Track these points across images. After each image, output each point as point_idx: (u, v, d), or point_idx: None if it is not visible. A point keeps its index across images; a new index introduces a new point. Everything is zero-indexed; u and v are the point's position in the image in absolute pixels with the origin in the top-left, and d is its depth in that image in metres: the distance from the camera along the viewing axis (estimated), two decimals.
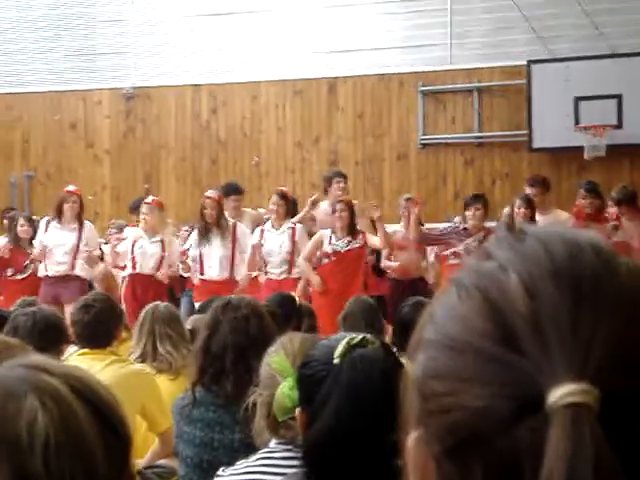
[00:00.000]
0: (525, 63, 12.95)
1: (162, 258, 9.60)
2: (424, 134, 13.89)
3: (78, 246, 9.99)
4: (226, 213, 9.90)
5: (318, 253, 9.70)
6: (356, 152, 14.13)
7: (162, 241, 9.63)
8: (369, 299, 6.72)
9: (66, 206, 10.02)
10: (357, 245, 9.59)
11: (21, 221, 10.46)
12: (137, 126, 15.06)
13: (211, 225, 9.56)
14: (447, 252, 9.39)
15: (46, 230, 10.09)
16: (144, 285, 9.45)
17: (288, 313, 5.69)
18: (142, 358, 5.22)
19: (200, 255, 9.60)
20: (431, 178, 13.84)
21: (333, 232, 9.64)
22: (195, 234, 9.81)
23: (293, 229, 9.70)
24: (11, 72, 15.29)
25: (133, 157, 15.00)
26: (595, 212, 9.19)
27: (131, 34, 14.93)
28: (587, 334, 0.71)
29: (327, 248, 9.60)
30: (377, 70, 14.02)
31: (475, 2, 13.61)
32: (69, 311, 5.93)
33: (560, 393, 0.68)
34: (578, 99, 12.49)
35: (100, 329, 4.79)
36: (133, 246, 9.60)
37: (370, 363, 1.99)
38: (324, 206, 10.44)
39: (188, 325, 5.56)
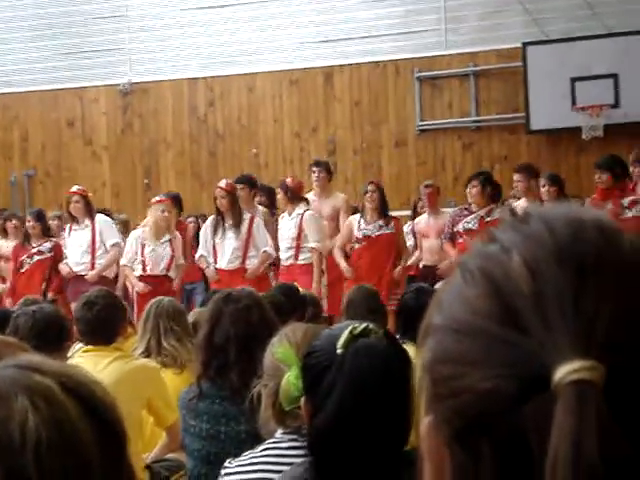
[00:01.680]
0: (520, 45, 12.94)
1: (172, 258, 9.61)
2: (421, 120, 13.89)
3: (94, 243, 10.06)
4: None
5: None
6: (354, 140, 14.13)
7: (170, 241, 9.63)
8: (371, 287, 6.71)
9: (71, 207, 10.16)
10: (389, 231, 9.59)
11: (28, 218, 10.56)
12: (135, 122, 15.06)
13: (223, 215, 9.58)
14: (447, 231, 9.41)
15: (69, 235, 10.24)
16: (155, 285, 9.45)
17: (292, 303, 5.70)
18: (147, 353, 5.23)
19: (214, 245, 9.61)
20: (430, 163, 13.83)
21: (362, 216, 9.64)
22: (207, 226, 9.82)
23: (302, 215, 9.69)
24: (7, 72, 15.28)
25: (132, 153, 15.00)
26: (611, 186, 9.05)
27: (126, 30, 14.91)
28: (590, 311, 0.71)
29: (357, 233, 9.61)
30: (372, 58, 14.01)
31: None
32: None
33: (565, 370, 0.69)
34: (574, 80, 12.48)
35: (103, 326, 4.78)
36: (143, 248, 9.59)
37: (373, 352, 2.00)
38: (312, 197, 10.41)
39: (190, 319, 5.56)
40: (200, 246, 9.80)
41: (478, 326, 0.74)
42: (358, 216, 9.69)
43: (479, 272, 0.77)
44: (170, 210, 9.82)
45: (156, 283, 9.45)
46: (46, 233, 10.60)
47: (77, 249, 10.10)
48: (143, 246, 9.59)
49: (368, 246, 9.54)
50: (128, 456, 1.16)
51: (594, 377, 0.69)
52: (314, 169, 10.48)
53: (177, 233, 9.91)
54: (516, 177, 9.97)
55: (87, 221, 10.14)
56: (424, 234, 10.50)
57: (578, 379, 0.68)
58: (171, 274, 9.64)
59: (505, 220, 0.81)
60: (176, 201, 11.12)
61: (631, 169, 9.91)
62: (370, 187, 9.69)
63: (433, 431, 0.78)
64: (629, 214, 8.68)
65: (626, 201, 8.84)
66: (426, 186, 10.79)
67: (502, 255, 0.77)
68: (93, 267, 10.05)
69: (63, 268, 10.19)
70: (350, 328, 2.03)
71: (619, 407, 0.69)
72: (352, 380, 1.95)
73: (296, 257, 9.75)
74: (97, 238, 10.08)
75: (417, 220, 10.92)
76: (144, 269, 9.57)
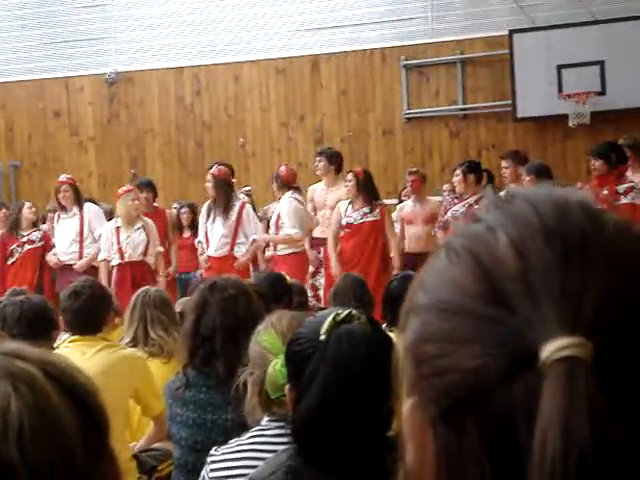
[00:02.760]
0: (507, 33, 12.93)
1: (148, 243, 9.59)
2: (409, 108, 13.88)
3: (82, 232, 10.06)
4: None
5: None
6: (341, 129, 14.12)
7: (144, 227, 9.62)
8: (358, 275, 6.72)
9: (59, 196, 10.18)
10: (372, 218, 9.51)
11: (27, 205, 10.54)
12: (121, 111, 15.02)
13: (214, 202, 9.60)
14: (440, 220, 9.42)
15: (57, 224, 10.26)
16: (135, 271, 9.45)
17: (279, 292, 5.70)
18: (133, 343, 5.23)
19: (206, 232, 9.63)
20: (417, 152, 13.83)
21: (350, 203, 9.61)
22: (202, 212, 9.84)
23: (281, 202, 9.71)
24: None
25: (118, 143, 14.96)
26: (605, 173, 9.02)
27: (111, 19, 14.86)
28: (577, 289, 0.71)
29: (342, 220, 9.59)
30: (359, 46, 14.00)
31: None
32: None
33: (553, 347, 0.69)
34: (561, 67, 12.48)
35: (90, 316, 4.78)
36: (118, 237, 9.58)
37: (356, 338, 2.00)
38: (320, 187, 10.46)
39: (177, 308, 5.56)
40: (199, 232, 9.85)
41: (464, 305, 0.74)
42: (346, 203, 9.63)
43: (464, 251, 0.77)
44: (138, 198, 9.79)
45: (136, 268, 9.47)
46: (37, 223, 10.60)
47: (65, 238, 10.10)
48: (118, 235, 9.58)
49: (352, 233, 9.50)
50: (110, 444, 1.15)
51: (582, 354, 0.68)
52: (315, 159, 10.50)
53: (149, 220, 9.87)
54: (504, 164, 9.99)
55: (75, 210, 10.14)
56: (408, 220, 10.44)
57: (566, 356, 0.68)
58: (148, 260, 9.62)
59: (489, 201, 0.81)
60: (150, 187, 11.09)
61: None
62: (348, 176, 9.64)
63: (416, 412, 0.78)
64: (624, 200, 8.69)
65: (622, 188, 8.84)
66: (410, 173, 10.79)
67: (487, 234, 0.77)
68: (81, 256, 10.05)
69: (51, 259, 10.17)
70: (333, 314, 2.03)
71: (607, 385, 0.69)
72: (335, 366, 1.96)
73: (275, 246, 9.87)
74: (85, 227, 10.09)
75: (400, 206, 10.91)
76: (122, 257, 9.55)
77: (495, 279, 0.73)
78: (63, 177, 10.43)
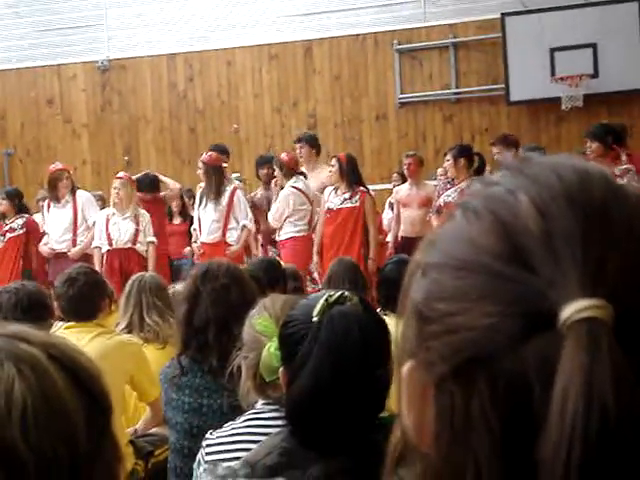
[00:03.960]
0: (499, 16, 12.91)
1: (137, 232, 9.59)
2: (402, 93, 13.87)
3: (76, 220, 10.05)
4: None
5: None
6: (335, 114, 14.11)
7: (135, 216, 9.61)
8: (351, 259, 6.73)
9: (61, 184, 10.13)
10: (351, 205, 9.42)
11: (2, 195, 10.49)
12: (114, 99, 14.99)
13: (205, 188, 9.62)
14: (434, 205, 9.40)
15: (48, 212, 10.21)
16: (123, 258, 9.47)
17: (274, 278, 5.70)
18: (129, 329, 5.23)
19: (199, 218, 9.64)
20: (411, 136, 13.83)
21: (335, 189, 9.57)
22: (196, 198, 9.86)
23: (280, 191, 9.70)
24: None
25: (111, 130, 14.94)
26: (601, 155, 8.99)
27: (103, 6, 14.80)
28: (600, 252, 0.71)
29: (325, 205, 9.58)
30: (352, 31, 13.98)
31: None
32: None
33: (574, 308, 0.68)
34: (553, 50, 12.48)
35: (85, 302, 4.79)
36: (107, 223, 9.59)
37: (349, 319, 2.00)
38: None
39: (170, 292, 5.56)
40: (194, 219, 9.89)
41: (482, 262, 0.73)
42: (331, 188, 9.58)
43: (484, 211, 0.76)
44: (123, 187, 9.74)
45: (124, 255, 9.51)
46: (22, 211, 10.54)
47: (58, 226, 10.08)
48: (108, 222, 9.60)
49: (331, 219, 9.45)
50: (113, 428, 1.16)
51: (604, 315, 0.68)
52: (296, 146, 10.37)
53: (143, 210, 9.86)
54: (495, 149, 9.97)
55: (68, 197, 10.12)
56: (404, 204, 10.29)
57: (588, 316, 0.68)
58: (138, 248, 9.63)
59: (505, 166, 0.80)
60: (150, 187, 10.95)
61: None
62: (332, 162, 9.58)
63: (417, 373, 0.77)
64: (620, 182, 8.67)
65: (618, 170, 8.83)
66: (407, 156, 10.64)
67: (507, 196, 0.76)
68: (75, 244, 10.04)
69: (43, 249, 10.16)
70: (326, 296, 2.04)
71: (627, 350, 0.68)
72: (329, 347, 1.96)
73: (277, 233, 9.80)
74: (79, 215, 10.07)
75: (397, 189, 10.77)
76: (110, 243, 9.56)
77: (516, 238, 0.73)
78: (58, 164, 10.41)
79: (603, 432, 0.66)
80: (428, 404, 0.76)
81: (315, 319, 2.01)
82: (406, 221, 10.23)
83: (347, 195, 9.43)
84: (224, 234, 9.45)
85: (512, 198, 0.75)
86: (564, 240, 0.71)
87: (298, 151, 10.25)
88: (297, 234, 9.58)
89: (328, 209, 9.49)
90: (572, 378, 0.67)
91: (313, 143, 10.32)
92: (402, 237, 10.16)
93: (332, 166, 9.50)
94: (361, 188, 9.56)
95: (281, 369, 2.16)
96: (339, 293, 2.05)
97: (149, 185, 10.78)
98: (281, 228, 9.65)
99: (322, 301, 2.02)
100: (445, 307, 0.74)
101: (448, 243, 0.77)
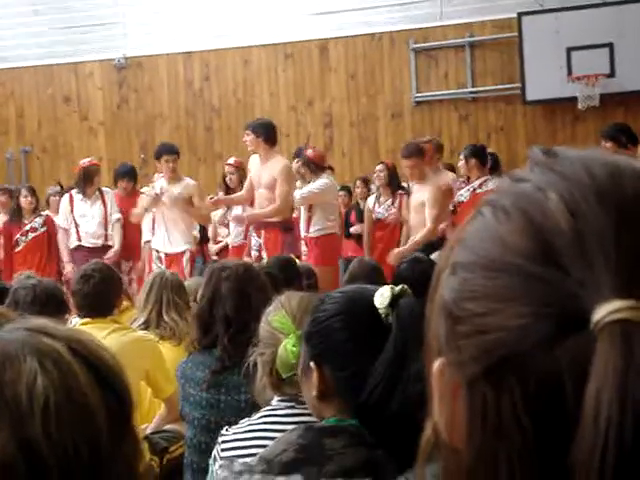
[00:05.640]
0: (515, 15, 12.88)
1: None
2: (417, 92, 13.85)
3: (107, 215, 10.23)
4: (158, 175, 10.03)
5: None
6: (350, 113, 14.10)
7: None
8: (372, 260, 6.73)
9: (97, 178, 10.34)
10: (395, 210, 9.78)
11: (24, 192, 10.52)
12: (130, 96, 15.02)
13: (234, 191, 9.76)
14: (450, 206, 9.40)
15: (72, 207, 10.31)
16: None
17: (290, 276, 5.72)
18: (146, 325, 5.24)
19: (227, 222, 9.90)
20: (426, 135, 13.79)
21: (377, 197, 9.90)
22: None
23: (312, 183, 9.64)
24: (1, 47, 15.21)
25: (128, 128, 14.97)
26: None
27: (120, 4, 14.83)
28: (632, 253, 0.69)
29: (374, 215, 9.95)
30: (368, 29, 13.96)
31: None
32: None
33: (607, 310, 0.67)
34: (570, 49, 12.44)
35: (100, 298, 4.81)
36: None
37: (419, 311, 1.95)
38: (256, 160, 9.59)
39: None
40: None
41: (513, 263, 0.72)
42: (374, 197, 9.96)
43: (514, 209, 0.75)
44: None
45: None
46: (37, 208, 10.63)
47: (91, 222, 10.17)
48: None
49: (379, 228, 9.83)
50: (134, 424, 1.15)
51: (637, 317, 0.67)
52: (244, 133, 9.46)
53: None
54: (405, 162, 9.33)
55: (97, 193, 10.27)
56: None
57: (622, 318, 0.67)
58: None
59: (533, 161, 0.79)
60: (129, 176, 10.93)
61: None
62: (378, 167, 9.91)
63: (451, 371, 0.76)
64: None
65: None
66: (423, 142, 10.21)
67: (537, 193, 0.74)
68: (106, 238, 10.18)
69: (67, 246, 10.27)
70: (389, 288, 1.99)
71: None
72: (410, 339, 1.91)
73: (307, 229, 9.38)
74: (109, 211, 10.21)
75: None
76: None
77: (547, 237, 0.71)
78: (87, 160, 10.53)
79: (638, 437, 0.65)
80: (459, 402, 0.76)
81: (382, 310, 1.98)
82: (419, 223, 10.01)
83: (389, 202, 9.81)
84: (246, 237, 9.72)
85: (542, 196, 0.74)
86: (596, 239, 0.70)
87: (244, 139, 9.42)
88: (320, 233, 9.29)
89: (377, 219, 9.85)
90: (605, 382, 0.66)
91: (259, 131, 9.24)
92: None
93: (380, 171, 9.80)
94: (399, 192, 9.87)
95: (312, 365, 2.13)
96: (400, 286, 2.01)
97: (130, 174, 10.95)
98: (310, 223, 9.32)
99: (389, 294, 1.98)
100: (476, 307, 0.74)
101: (478, 242, 0.76)
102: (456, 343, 0.75)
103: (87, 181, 10.24)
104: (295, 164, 9.85)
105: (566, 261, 0.70)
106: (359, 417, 2.00)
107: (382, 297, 1.98)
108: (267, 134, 9.22)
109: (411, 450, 1.64)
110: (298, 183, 9.63)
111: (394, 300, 1.97)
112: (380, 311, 1.97)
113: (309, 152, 9.60)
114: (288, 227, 9.19)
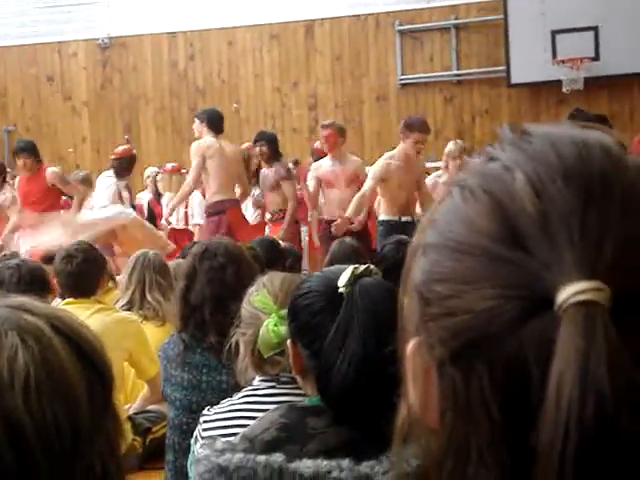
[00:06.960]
0: None
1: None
2: (403, 74, 13.85)
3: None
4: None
5: None
6: (335, 95, 14.08)
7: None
8: (352, 241, 6.72)
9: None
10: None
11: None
12: (114, 76, 14.97)
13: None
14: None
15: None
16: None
17: (273, 257, 5.72)
18: (129, 305, 5.24)
19: None
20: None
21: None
22: None
23: None
24: None
25: (112, 108, 14.92)
26: None
27: None
28: (597, 233, 0.69)
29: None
30: (353, 11, 13.93)
31: None
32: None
33: (571, 291, 0.67)
34: (555, 32, 12.45)
35: (83, 279, 4.80)
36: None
37: (381, 289, 1.96)
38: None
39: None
40: None
41: (479, 245, 0.72)
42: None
43: (480, 190, 0.74)
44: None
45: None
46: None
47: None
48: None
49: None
50: (115, 401, 1.16)
51: (601, 298, 0.66)
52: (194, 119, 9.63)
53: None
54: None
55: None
56: (328, 183, 9.19)
57: (585, 300, 0.66)
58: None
59: (504, 138, 0.78)
60: (27, 152, 10.03)
61: None
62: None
63: (420, 352, 0.76)
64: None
65: None
66: (324, 126, 9.37)
67: (504, 173, 0.74)
68: None
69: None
70: (351, 268, 2.00)
71: (625, 331, 0.67)
72: (374, 312, 1.90)
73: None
74: None
75: (316, 165, 9.46)
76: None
77: (512, 220, 0.71)
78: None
79: (599, 416, 0.65)
80: (432, 383, 0.76)
81: (342, 289, 1.98)
82: (332, 203, 9.16)
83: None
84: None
85: (508, 176, 0.73)
86: (561, 220, 0.70)
87: (194, 126, 9.56)
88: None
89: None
90: (568, 363, 0.66)
91: (202, 118, 9.48)
92: (327, 221, 8.88)
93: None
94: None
95: (288, 341, 2.13)
96: (365, 266, 2.01)
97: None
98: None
99: (349, 272, 1.98)
100: (443, 289, 0.73)
101: (446, 223, 0.76)
102: (426, 325, 0.75)
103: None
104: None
105: (531, 243, 0.70)
106: (321, 395, 2.01)
107: (345, 276, 1.99)
108: (210, 121, 9.50)
109: (385, 431, 1.64)
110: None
111: (355, 279, 1.97)
112: (340, 290, 1.98)
113: (316, 145, 10.05)
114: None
